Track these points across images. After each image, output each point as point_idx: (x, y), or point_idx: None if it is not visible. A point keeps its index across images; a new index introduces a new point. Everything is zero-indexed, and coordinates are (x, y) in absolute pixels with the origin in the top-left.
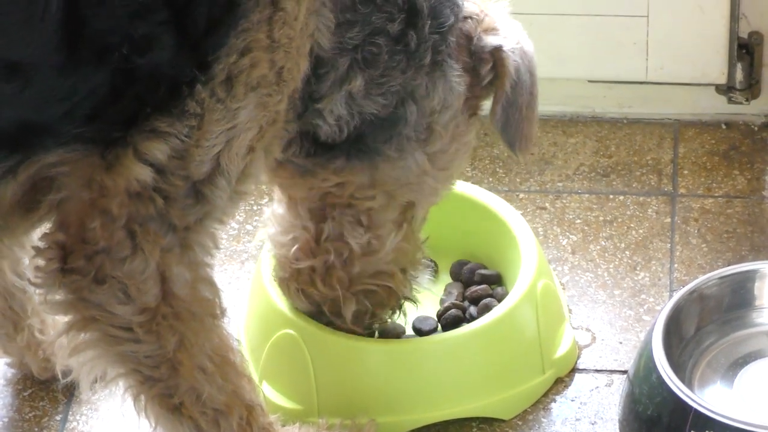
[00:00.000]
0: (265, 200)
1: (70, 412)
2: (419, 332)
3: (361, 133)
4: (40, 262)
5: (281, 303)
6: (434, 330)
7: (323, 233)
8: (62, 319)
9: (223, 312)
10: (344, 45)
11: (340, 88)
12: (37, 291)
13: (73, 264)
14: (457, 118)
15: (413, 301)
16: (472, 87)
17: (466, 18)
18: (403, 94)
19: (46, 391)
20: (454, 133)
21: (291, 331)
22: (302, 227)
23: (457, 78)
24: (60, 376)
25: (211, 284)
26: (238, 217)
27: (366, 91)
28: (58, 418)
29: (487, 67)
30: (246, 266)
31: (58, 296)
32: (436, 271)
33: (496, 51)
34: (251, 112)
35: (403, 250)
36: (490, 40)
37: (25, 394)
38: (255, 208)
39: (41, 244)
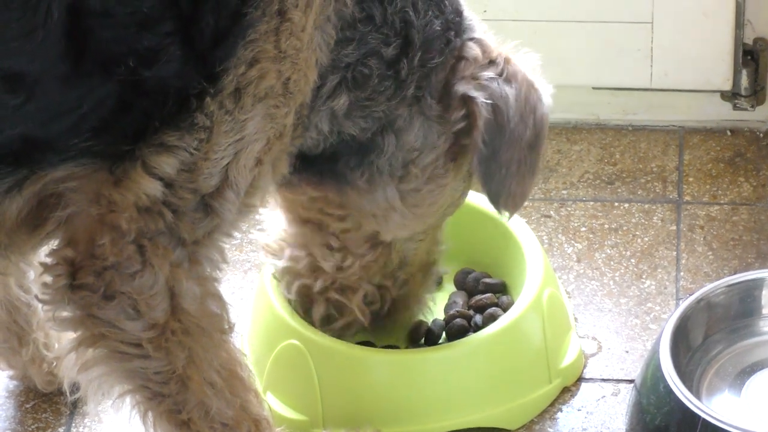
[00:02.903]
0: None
1: (73, 424)
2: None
3: (335, 151)
4: (48, 278)
5: (285, 313)
6: (441, 332)
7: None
8: (68, 335)
9: (231, 327)
10: (338, 62)
11: (324, 104)
12: (45, 307)
13: (83, 280)
14: (439, 160)
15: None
16: (456, 133)
17: (460, 58)
18: (384, 122)
19: (48, 403)
20: (432, 174)
21: (295, 342)
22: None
23: (437, 118)
24: (66, 391)
25: (220, 299)
26: None
27: (348, 112)
28: (61, 430)
29: (458, 114)
30: (249, 276)
31: (66, 312)
32: (440, 280)
33: (468, 100)
34: (259, 123)
35: (369, 268)
36: (461, 87)
37: (28, 406)
38: (258, 217)
39: (49, 261)
